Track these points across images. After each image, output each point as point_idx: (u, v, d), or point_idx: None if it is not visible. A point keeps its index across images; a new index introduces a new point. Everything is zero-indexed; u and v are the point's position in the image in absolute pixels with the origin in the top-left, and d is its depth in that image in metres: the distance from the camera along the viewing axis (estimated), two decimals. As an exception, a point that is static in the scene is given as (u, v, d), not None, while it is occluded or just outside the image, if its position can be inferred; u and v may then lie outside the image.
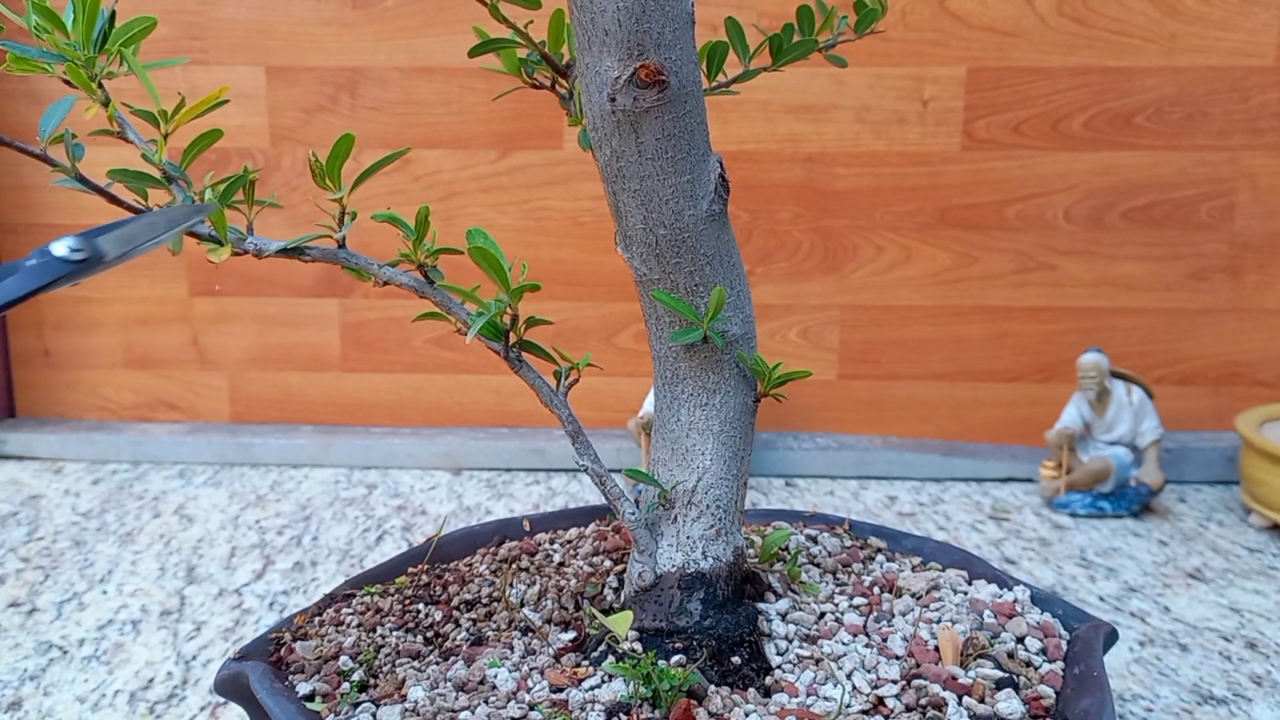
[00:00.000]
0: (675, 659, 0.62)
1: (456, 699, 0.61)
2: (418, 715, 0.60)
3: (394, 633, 0.70)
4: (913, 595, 0.70)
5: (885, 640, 0.65)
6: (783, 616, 0.67)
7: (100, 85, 0.58)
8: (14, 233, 1.38)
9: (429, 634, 0.70)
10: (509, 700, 0.60)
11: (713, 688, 0.61)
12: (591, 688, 0.61)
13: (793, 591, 0.70)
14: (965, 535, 1.12)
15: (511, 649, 0.67)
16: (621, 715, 0.58)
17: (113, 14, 0.55)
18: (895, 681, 0.61)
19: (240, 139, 1.33)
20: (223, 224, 0.59)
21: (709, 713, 0.59)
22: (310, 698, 0.63)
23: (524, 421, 1.39)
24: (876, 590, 0.71)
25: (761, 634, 0.66)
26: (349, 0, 1.30)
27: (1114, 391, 1.19)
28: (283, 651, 0.68)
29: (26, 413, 1.43)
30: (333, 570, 1.03)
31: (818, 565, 0.75)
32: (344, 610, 0.73)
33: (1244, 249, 1.28)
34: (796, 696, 0.60)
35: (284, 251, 0.60)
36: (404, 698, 0.62)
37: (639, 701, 0.59)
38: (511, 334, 0.64)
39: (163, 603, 0.96)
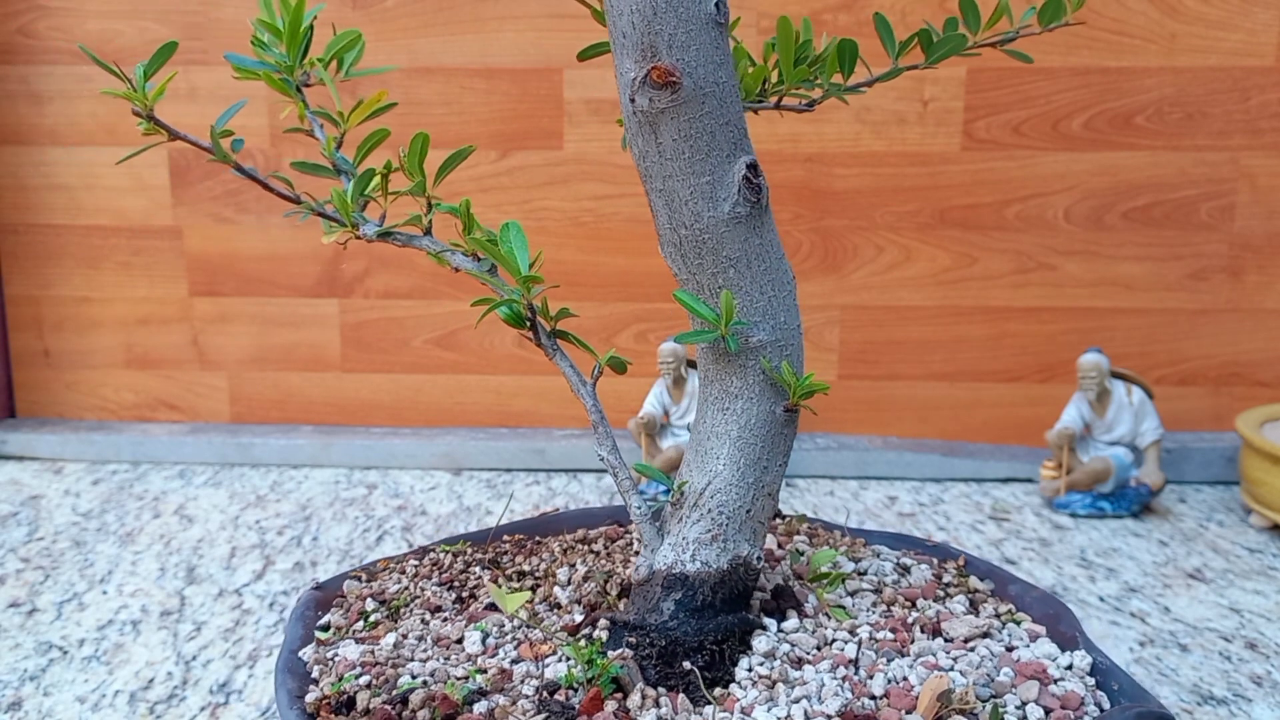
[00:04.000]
0: (618, 651, 0.62)
1: (419, 650, 0.66)
2: (373, 655, 0.65)
3: (434, 587, 0.74)
4: (946, 639, 0.67)
5: (870, 678, 0.62)
6: (784, 635, 0.66)
7: (299, 90, 0.67)
8: (14, 233, 1.38)
9: (464, 593, 0.73)
10: (465, 661, 0.64)
11: (643, 686, 0.61)
12: (546, 665, 0.63)
13: (825, 615, 0.69)
14: (965, 535, 1.12)
15: (513, 618, 0.69)
16: (547, 693, 0.60)
17: (311, 29, 0.64)
18: (829, 717, 0.59)
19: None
20: (346, 208, 0.65)
21: (620, 707, 0.59)
22: (325, 628, 0.71)
23: (524, 422, 1.39)
24: (918, 629, 0.68)
25: (742, 648, 0.64)
26: (349, 0, 1.30)
27: (1114, 392, 1.19)
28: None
29: (26, 413, 1.43)
30: (333, 570, 1.03)
31: (879, 593, 0.72)
32: (412, 561, 0.78)
33: (1244, 249, 1.28)
34: (730, 713, 0.59)
35: (380, 235, 0.66)
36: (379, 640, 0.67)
37: (575, 684, 0.60)
38: (546, 322, 0.66)
39: (163, 603, 0.96)
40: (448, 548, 0.80)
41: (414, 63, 1.31)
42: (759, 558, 0.66)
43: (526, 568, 0.77)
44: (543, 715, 0.58)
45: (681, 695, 0.61)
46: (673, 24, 0.59)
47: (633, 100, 0.60)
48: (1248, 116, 1.25)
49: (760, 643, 0.65)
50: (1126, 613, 0.95)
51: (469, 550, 0.80)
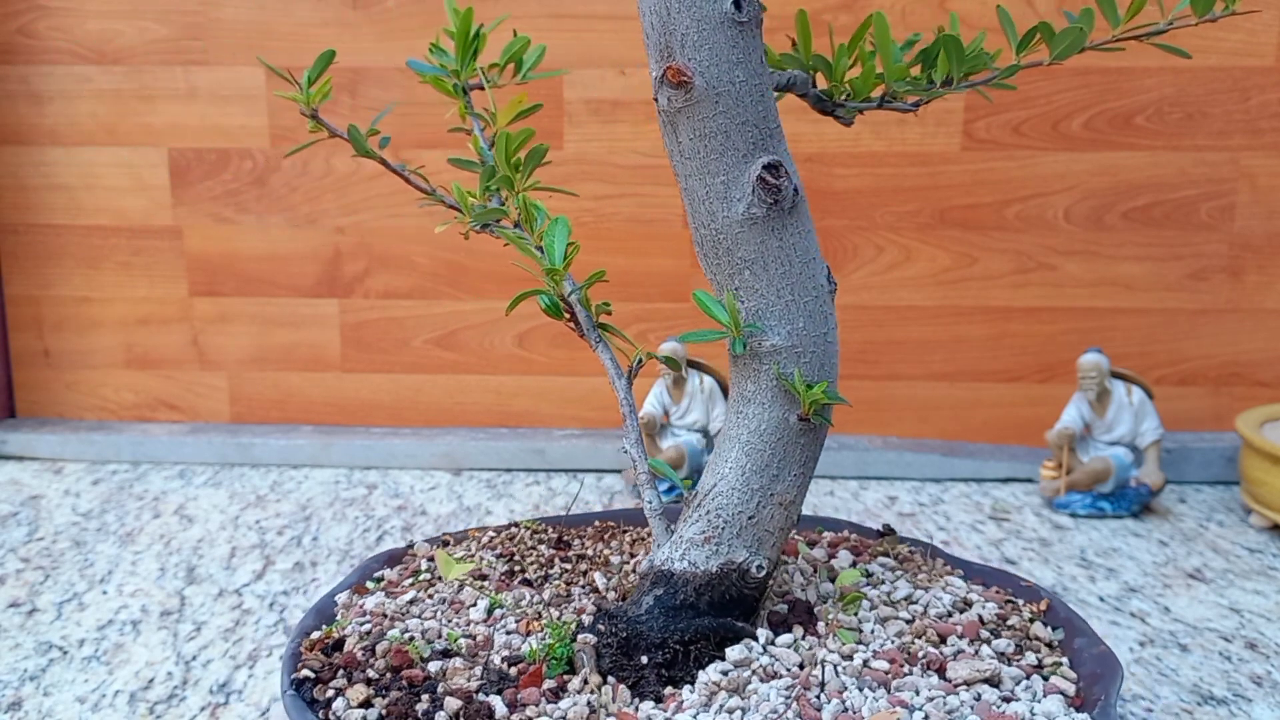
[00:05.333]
0: (584, 636, 0.64)
1: (428, 609, 0.71)
2: (384, 608, 0.71)
3: (491, 557, 0.78)
4: (943, 679, 0.63)
5: (827, 702, 0.60)
6: (770, 648, 0.64)
7: (464, 92, 0.72)
8: (14, 233, 1.38)
9: (515, 567, 0.77)
10: (463, 624, 0.69)
11: (589, 671, 0.62)
12: (528, 640, 0.67)
13: (833, 635, 0.67)
14: (965, 535, 1.12)
15: (539, 594, 0.72)
16: (508, 664, 0.64)
17: (478, 34, 0.69)
18: None
19: (240, 139, 1.33)
20: (464, 200, 0.69)
21: (559, 686, 0.61)
22: (379, 580, 0.77)
23: (524, 422, 1.39)
24: (920, 665, 0.64)
25: (719, 654, 0.64)
26: (349, 0, 1.30)
27: (1114, 392, 1.19)
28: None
29: (26, 413, 1.43)
30: (333, 571, 1.03)
31: (910, 623, 0.68)
32: (490, 533, 0.83)
33: (1244, 249, 1.28)
34: (665, 710, 0.59)
35: (483, 227, 0.71)
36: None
37: (535, 660, 0.63)
38: (596, 313, 0.69)
39: (163, 603, 0.96)
40: (530, 524, 0.83)
41: (414, 63, 1.31)
42: (760, 566, 0.65)
43: (590, 552, 0.79)
44: (482, 681, 0.62)
45: (623, 687, 0.61)
46: (686, 24, 0.60)
47: (656, 100, 0.62)
48: (1248, 116, 1.25)
49: (734, 651, 0.63)
50: (1126, 613, 0.95)
51: (547, 530, 0.83)
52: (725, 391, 1.26)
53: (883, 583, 0.74)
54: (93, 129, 1.35)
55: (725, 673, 0.62)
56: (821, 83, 0.70)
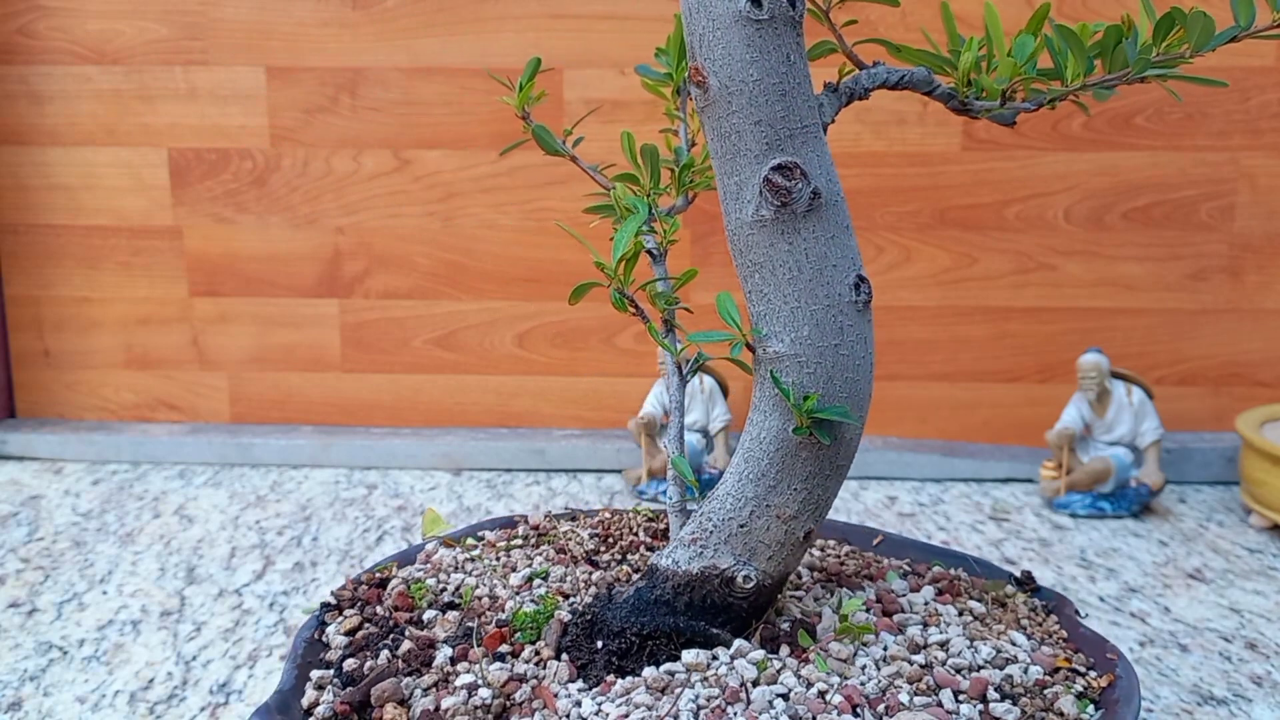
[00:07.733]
0: (559, 613, 0.66)
1: (477, 569, 0.74)
2: (444, 558, 0.76)
3: (584, 534, 0.81)
4: None
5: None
6: (730, 659, 0.62)
7: (677, 94, 0.75)
8: (14, 233, 1.38)
9: (601, 546, 0.79)
10: (496, 586, 0.71)
11: (544, 645, 0.64)
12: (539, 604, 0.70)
13: (809, 660, 0.63)
14: (965, 536, 1.12)
15: (590, 574, 0.73)
16: (497, 626, 0.67)
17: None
18: None
19: (240, 139, 1.33)
20: (621, 201, 0.73)
21: (511, 651, 0.63)
22: (480, 538, 0.81)
23: (524, 422, 1.39)
24: (875, 708, 0.59)
25: (673, 653, 0.63)
26: (349, 0, 1.30)
27: (1114, 392, 1.19)
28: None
29: (26, 413, 1.43)
30: (333, 571, 1.03)
31: (909, 663, 0.62)
32: (606, 514, 0.85)
33: (1244, 249, 1.28)
34: (579, 694, 0.60)
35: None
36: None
37: (520, 624, 0.67)
38: (654, 310, 0.71)
39: (163, 603, 0.96)
40: (646, 511, 0.85)
41: (414, 63, 1.31)
42: (748, 577, 0.63)
43: (641, 540, 0.81)
44: (452, 634, 0.66)
45: (571, 665, 0.62)
46: (703, 23, 0.60)
47: (692, 98, 0.63)
48: (1248, 116, 1.25)
49: (691, 654, 0.62)
50: (1126, 613, 0.95)
51: (661, 518, 0.84)
52: (725, 392, 1.26)
53: (937, 626, 0.67)
54: (93, 129, 1.35)
55: (672, 673, 0.60)
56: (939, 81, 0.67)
